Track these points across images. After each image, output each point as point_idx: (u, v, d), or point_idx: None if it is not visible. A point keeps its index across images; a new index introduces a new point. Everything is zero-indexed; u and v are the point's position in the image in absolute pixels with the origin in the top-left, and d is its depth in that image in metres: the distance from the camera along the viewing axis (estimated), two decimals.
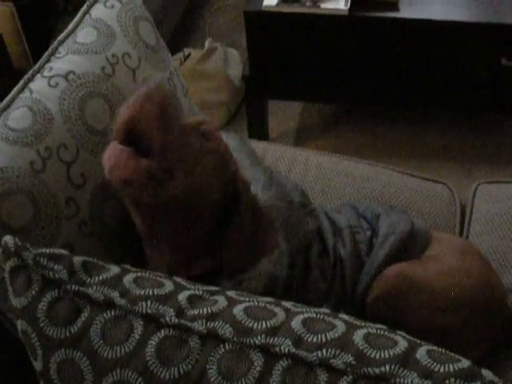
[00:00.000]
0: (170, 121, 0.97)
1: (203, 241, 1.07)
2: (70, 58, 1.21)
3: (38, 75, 1.18)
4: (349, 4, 2.14)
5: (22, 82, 1.17)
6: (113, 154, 0.97)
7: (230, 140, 1.22)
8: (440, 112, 2.58)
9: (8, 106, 1.12)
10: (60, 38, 1.26)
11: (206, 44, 2.70)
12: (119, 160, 0.96)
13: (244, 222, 1.07)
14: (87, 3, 1.32)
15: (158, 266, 1.08)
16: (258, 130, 2.47)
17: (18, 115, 1.10)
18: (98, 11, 1.30)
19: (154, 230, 1.05)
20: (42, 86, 1.15)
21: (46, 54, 1.23)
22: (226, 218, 1.06)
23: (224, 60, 2.67)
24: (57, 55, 1.22)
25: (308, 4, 2.15)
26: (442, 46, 2.17)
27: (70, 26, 1.28)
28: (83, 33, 1.26)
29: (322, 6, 2.14)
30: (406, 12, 2.15)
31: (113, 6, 1.31)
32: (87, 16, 1.30)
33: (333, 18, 2.15)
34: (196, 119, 1.06)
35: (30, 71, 1.19)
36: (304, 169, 1.67)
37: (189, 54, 2.65)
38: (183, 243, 1.06)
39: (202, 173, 1.01)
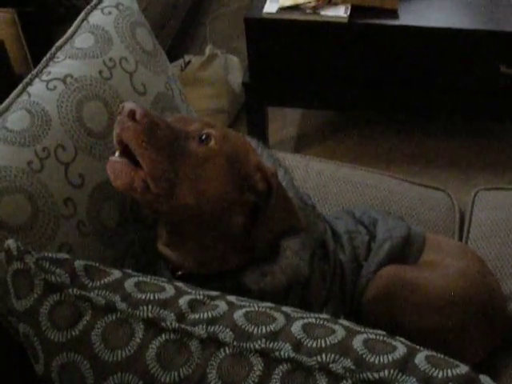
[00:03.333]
0: (155, 135, 1.00)
1: (236, 235, 1.08)
2: (68, 62, 1.22)
3: (37, 79, 1.19)
4: (349, 11, 2.15)
5: (20, 86, 1.17)
6: (111, 165, 1.02)
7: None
8: (439, 119, 2.59)
9: (6, 109, 1.13)
10: (58, 43, 1.26)
11: (207, 51, 2.71)
12: (117, 169, 1.01)
13: (275, 211, 1.08)
14: (85, 10, 1.34)
15: (183, 263, 1.09)
16: (258, 137, 2.46)
17: (16, 117, 1.11)
18: (95, 17, 1.31)
19: (180, 233, 1.08)
20: (40, 90, 1.16)
21: (45, 59, 1.23)
22: (258, 211, 1.08)
23: (224, 67, 2.68)
24: (55, 60, 1.23)
25: (308, 11, 2.16)
26: (441, 53, 2.18)
27: (68, 32, 1.29)
28: (81, 38, 1.27)
29: (322, 13, 2.16)
30: (405, 19, 2.16)
31: (110, 13, 1.32)
32: (85, 22, 1.31)
33: (333, 26, 2.16)
34: (198, 124, 1.07)
35: (29, 75, 1.19)
36: (304, 175, 1.67)
37: (189, 61, 2.66)
38: (214, 241, 1.08)
39: (209, 177, 1.03)
